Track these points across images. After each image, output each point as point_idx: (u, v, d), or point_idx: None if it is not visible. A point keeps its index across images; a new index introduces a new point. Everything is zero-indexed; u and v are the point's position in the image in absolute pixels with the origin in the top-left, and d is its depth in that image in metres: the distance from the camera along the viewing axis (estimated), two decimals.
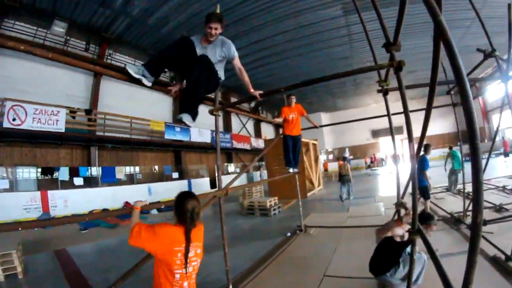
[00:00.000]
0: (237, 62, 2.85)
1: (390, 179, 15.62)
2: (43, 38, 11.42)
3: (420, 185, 5.63)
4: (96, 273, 4.61)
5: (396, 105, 3.75)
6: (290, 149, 5.98)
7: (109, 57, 13.91)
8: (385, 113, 3.88)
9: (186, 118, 2.65)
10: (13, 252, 4.61)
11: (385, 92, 3.57)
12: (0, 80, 10.04)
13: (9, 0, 10.13)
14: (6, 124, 9.08)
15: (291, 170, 6.02)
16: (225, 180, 4.58)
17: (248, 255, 4.85)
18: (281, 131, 6.35)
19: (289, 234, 5.99)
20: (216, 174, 3.50)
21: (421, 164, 5.78)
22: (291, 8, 12.06)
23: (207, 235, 1.95)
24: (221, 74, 2.87)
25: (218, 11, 3.61)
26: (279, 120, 6.10)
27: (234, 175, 17.97)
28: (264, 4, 11.73)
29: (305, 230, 6.01)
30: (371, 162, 27.12)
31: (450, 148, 7.18)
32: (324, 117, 28.49)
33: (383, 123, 24.79)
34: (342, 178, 9.96)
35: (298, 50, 15.60)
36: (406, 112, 2.27)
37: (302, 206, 6.33)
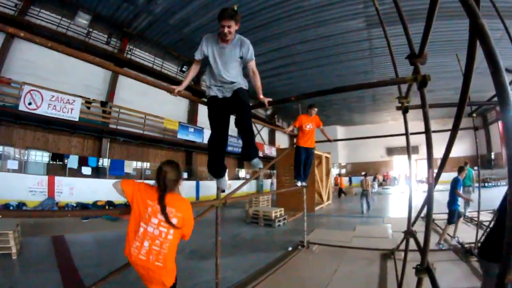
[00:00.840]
0: (252, 64, 2.72)
1: (401, 199, 15.10)
2: (66, 28, 11.66)
3: (449, 208, 5.55)
4: (88, 264, 4.54)
5: (413, 124, 3.51)
6: (302, 162, 5.65)
7: (129, 52, 14.08)
8: (402, 131, 3.65)
9: (259, 163, 2.76)
10: (9, 232, 4.67)
11: (405, 110, 3.28)
12: (21, 64, 10.34)
13: None
14: (22, 107, 9.30)
15: (299, 183, 5.71)
16: (234, 185, 4.38)
17: (244, 267, 4.64)
18: (294, 140, 6.04)
19: (290, 248, 5.73)
20: (216, 183, 3.22)
21: (453, 185, 5.53)
22: (313, 18, 11.90)
23: (207, 240, 1.86)
24: (243, 83, 2.78)
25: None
26: (290, 129, 5.84)
27: (244, 181, 17.76)
28: (287, 12, 11.63)
29: (308, 246, 5.74)
30: (383, 180, 26.41)
31: (466, 163, 6.59)
32: (340, 131, 28.14)
33: (399, 141, 24.86)
34: (363, 192, 10.64)
35: (318, 61, 15.38)
36: (428, 133, 2.01)
37: (308, 221, 6.08)
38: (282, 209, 9.24)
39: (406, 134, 3.58)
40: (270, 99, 2.73)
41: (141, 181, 1.96)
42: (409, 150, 3.50)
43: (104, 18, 12.47)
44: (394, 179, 26.81)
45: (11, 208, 8.25)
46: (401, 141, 24.97)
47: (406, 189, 19.94)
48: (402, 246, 4.62)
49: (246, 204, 10.78)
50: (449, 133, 2.19)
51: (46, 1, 11.16)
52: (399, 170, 27.65)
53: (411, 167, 3.63)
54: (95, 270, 4.16)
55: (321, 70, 16.29)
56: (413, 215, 3.72)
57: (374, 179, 19.48)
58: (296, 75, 17.14)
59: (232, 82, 2.66)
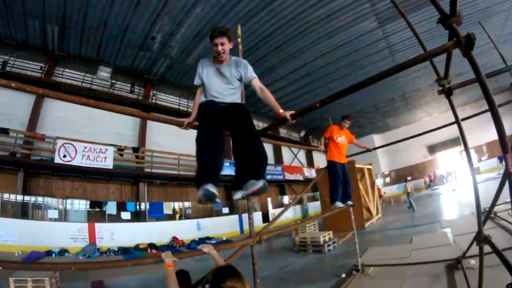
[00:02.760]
0: (256, 82, 2.45)
1: (454, 198, 13.77)
2: (90, 82, 12.60)
3: None
4: None
5: (446, 117, 2.91)
6: (340, 179, 4.92)
7: (153, 97, 14.72)
8: (439, 124, 3.08)
9: (265, 185, 2.04)
10: (45, 279, 4.77)
11: (448, 92, 2.69)
12: (53, 120, 11.32)
13: (59, 51, 11.70)
14: (57, 160, 9.95)
15: (339, 205, 4.90)
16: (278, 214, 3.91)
17: None
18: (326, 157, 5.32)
19: (343, 275, 5.09)
20: (248, 217, 2.84)
21: None
22: (324, 29, 11.73)
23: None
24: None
25: (239, 31, 3.33)
26: (323, 146, 5.24)
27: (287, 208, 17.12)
28: (297, 29, 11.59)
29: (363, 269, 5.06)
30: (430, 181, 24.43)
31: None
32: (377, 139, 26.89)
33: (439, 136, 23.48)
34: (408, 194, 12.85)
35: (340, 71, 14.99)
36: (493, 107, 1.54)
37: (359, 240, 5.47)
38: (331, 232, 8.60)
39: (457, 120, 2.92)
40: (293, 112, 2.32)
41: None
42: (463, 136, 2.79)
43: (125, 69, 13.32)
44: (442, 177, 24.60)
45: (54, 254, 8.56)
46: (441, 136, 24.45)
47: (457, 185, 18.40)
48: (469, 252, 3.96)
49: (292, 232, 10.19)
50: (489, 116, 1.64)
51: (69, 61, 12.29)
52: (445, 167, 25.47)
53: (470, 157, 2.89)
54: None
55: (346, 80, 15.71)
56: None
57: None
58: (322, 90, 16.64)
59: (229, 102, 2.43)
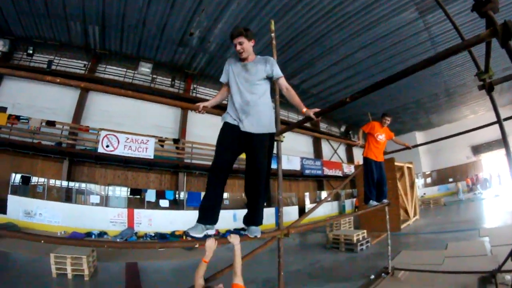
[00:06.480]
0: (283, 82, 2.49)
1: (496, 204, 12.85)
2: (132, 77, 13.41)
3: None
4: None
5: (492, 115, 2.66)
6: (375, 179, 4.81)
7: (194, 91, 15.27)
8: (484, 123, 2.78)
9: (257, 232, 2.45)
10: (83, 256, 5.22)
11: (489, 88, 2.47)
12: (97, 113, 12.36)
13: (100, 49, 12.62)
14: (100, 150, 10.92)
15: (373, 203, 4.81)
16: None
17: None
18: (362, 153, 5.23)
19: (373, 277, 5.04)
20: (278, 208, 2.96)
21: None
22: (363, 21, 11.22)
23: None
24: (269, 116, 2.49)
25: (272, 27, 3.40)
26: (361, 140, 5.19)
27: (324, 203, 17.05)
28: (335, 22, 11.24)
29: (393, 273, 4.96)
30: (473, 184, 22.48)
31: None
32: (419, 136, 25.37)
33: (484, 136, 21.72)
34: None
35: (381, 65, 14.27)
36: None
37: (393, 242, 5.38)
38: (365, 231, 8.46)
39: (498, 119, 2.52)
40: (317, 109, 2.36)
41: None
42: (505, 137, 2.38)
43: (165, 64, 13.94)
44: (485, 181, 22.70)
45: (93, 236, 9.40)
46: (486, 136, 22.58)
47: (501, 191, 17.09)
48: (506, 266, 3.75)
49: (326, 228, 10.24)
50: None
51: (110, 58, 13.18)
52: (490, 170, 23.48)
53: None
54: None
55: (387, 73, 14.54)
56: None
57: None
58: (362, 85, 15.93)
59: (256, 106, 2.41)
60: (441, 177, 25.69)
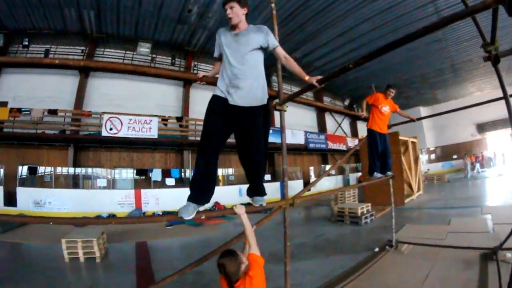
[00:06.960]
0: (280, 51, 2.31)
1: (500, 183, 12.86)
2: (131, 59, 13.20)
3: None
4: (165, 268, 4.69)
5: (499, 93, 2.54)
6: (379, 150, 4.78)
7: (195, 68, 15.00)
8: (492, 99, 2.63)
9: (262, 201, 2.44)
10: (94, 239, 5.30)
11: (495, 59, 2.37)
12: (98, 98, 12.26)
13: (97, 33, 12.35)
14: (104, 133, 10.94)
15: (378, 175, 4.78)
16: (319, 182, 4.10)
17: (325, 271, 4.29)
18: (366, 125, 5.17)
19: (377, 249, 5.12)
20: (282, 180, 2.97)
21: None
22: None
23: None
24: (262, 89, 2.31)
25: None
26: (365, 111, 5.03)
27: (329, 177, 17.17)
28: None
29: (396, 246, 5.05)
30: (477, 162, 22.46)
31: None
32: (424, 112, 25.05)
33: (490, 114, 21.50)
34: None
35: (386, 38, 13.72)
36: None
37: (397, 216, 5.40)
38: (369, 204, 8.49)
39: (505, 95, 2.43)
40: (319, 77, 2.21)
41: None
42: (511, 115, 2.38)
43: (164, 43, 13.63)
44: (489, 159, 22.79)
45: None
46: (492, 114, 22.31)
47: (505, 170, 17.17)
48: (507, 244, 3.81)
49: (331, 202, 10.36)
50: None
51: (108, 42, 12.93)
52: (494, 148, 23.47)
53: None
54: (170, 273, 4.35)
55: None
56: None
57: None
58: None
59: (246, 79, 2.22)
60: (445, 153, 25.66)
